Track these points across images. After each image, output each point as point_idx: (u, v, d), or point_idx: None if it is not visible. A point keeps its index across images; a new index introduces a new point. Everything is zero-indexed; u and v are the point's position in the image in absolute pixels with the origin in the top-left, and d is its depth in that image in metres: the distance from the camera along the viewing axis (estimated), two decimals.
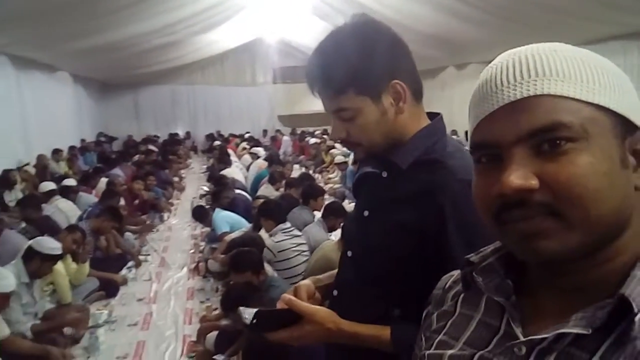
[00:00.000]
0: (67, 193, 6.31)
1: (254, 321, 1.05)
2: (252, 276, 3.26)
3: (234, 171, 8.13)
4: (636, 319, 0.50)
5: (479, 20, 7.33)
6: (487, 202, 0.58)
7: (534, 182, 0.54)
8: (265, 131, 16.73)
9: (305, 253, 4.05)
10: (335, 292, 1.26)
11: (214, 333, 3.52)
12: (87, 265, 4.51)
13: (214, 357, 3.35)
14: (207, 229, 6.24)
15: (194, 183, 10.23)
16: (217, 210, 5.64)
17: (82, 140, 12.74)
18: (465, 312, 0.68)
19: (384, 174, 1.19)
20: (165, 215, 7.59)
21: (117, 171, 8.42)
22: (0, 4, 5.55)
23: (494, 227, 0.59)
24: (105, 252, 5.18)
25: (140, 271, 5.28)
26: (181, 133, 16.70)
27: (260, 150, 10.15)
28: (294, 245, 4.01)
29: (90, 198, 6.60)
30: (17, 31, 7.03)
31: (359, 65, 1.07)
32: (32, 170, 8.32)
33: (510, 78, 0.57)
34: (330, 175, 9.42)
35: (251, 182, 7.90)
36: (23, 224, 4.99)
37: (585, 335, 0.52)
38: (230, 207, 5.82)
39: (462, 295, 0.71)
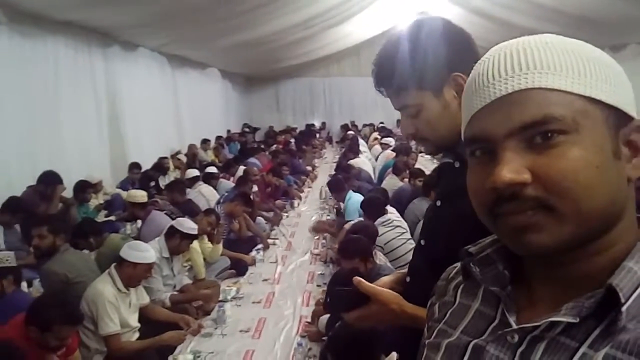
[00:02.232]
0: (209, 179, 6.98)
1: (328, 300, 1.15)
2: (359, 263, 3.33)
3: (362, 161, 8.25)
4: (623, 308, 0.50)
5: None
6: (481, 195, 0.59)
7: (526, 176, 0.54)
8: (398, 121, 16.58)
9: (410, 241, 4.10)
10: (407, 279, 1.31)
11: (326, 316, 3.66)
12: (220, 245, 4.97)
13: (324, 338, 3.50)
14: (333, 217, 6.45)
15: (326, 172, 10.55)
16: (351, 192, 5.76)
17: (228, 131, 13.86)
18: (464, 302, 0.69)
19: (457, 164, 1.20)
20: (296, 202, 7.99)
21: (254, 160, 9.02)
22: (158, 8, 6.25)
23: (488, 220, 0.59)
24: (238, 235, 5.62)
25: (268, 254, 5.64)
26: (317, 124, 17.31)
27: (390, 141, 10.13)
28: (398, 234, 4.06)
29: (228, 184, 7.19)
30: (173, 32, 7.87)
31: (415, 62, 1.12)
32: (184, 158, 9.28)
33: (501, 71, 0.57)
34: None
35: (378, 172, 7.97)
36: (171, 206, 5.64)
37: (575, 324, 0.52)
38: None
39: (462, 286, 0.72)
